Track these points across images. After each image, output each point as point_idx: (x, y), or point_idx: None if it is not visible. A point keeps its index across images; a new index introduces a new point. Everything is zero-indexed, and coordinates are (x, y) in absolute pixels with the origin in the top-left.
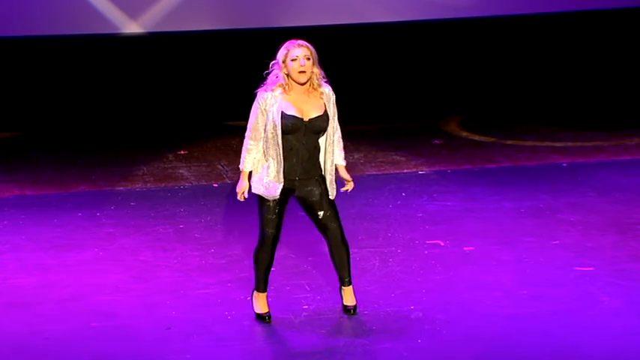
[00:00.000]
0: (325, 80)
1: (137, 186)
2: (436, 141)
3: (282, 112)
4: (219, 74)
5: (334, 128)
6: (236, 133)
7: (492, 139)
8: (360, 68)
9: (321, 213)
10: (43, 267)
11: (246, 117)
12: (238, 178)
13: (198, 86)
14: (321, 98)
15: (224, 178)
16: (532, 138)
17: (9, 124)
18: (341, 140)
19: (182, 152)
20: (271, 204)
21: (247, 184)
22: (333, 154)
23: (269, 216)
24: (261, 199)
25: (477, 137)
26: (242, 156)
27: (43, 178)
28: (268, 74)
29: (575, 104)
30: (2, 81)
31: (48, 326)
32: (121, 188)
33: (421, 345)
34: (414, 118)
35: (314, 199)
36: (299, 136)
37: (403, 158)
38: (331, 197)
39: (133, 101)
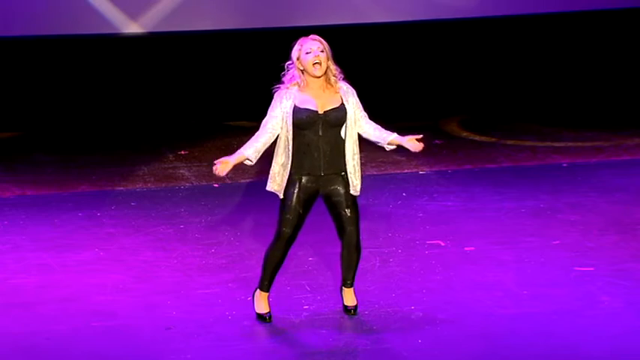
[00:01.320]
0: (342, 77)
1: (137, 186)
2: (436, 141)
3: (296, 107)
4: (219, 74)
5: (365, 121)
6: (236, 133)
7: (492, 139)
8: (360, 68)
9: (343, 213)
10: (43, 267)
11: (246, 117)
12: (238, 179)
13: (199, 86)
14: (338, 93)
15: (225, 179)
16: (532, 138)
17: (9, 123)
18: (377, 125)
19: (183, 152)
20: (293, 203)
21: (233, 163)
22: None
23: (287, 215)
24: (283, 198)
25: (477, 137)
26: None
27: (43, 177)
28: (284, 75)
29: (575, 104)
30: (2, 81)
31: (48, 326)
32: (122, 188)
33: (421, 345)
34: (414, 118)
35: (338, 198)
36: (316, 130)
37: (403, 158)
38: (356, 193)
39: (133, 101)
